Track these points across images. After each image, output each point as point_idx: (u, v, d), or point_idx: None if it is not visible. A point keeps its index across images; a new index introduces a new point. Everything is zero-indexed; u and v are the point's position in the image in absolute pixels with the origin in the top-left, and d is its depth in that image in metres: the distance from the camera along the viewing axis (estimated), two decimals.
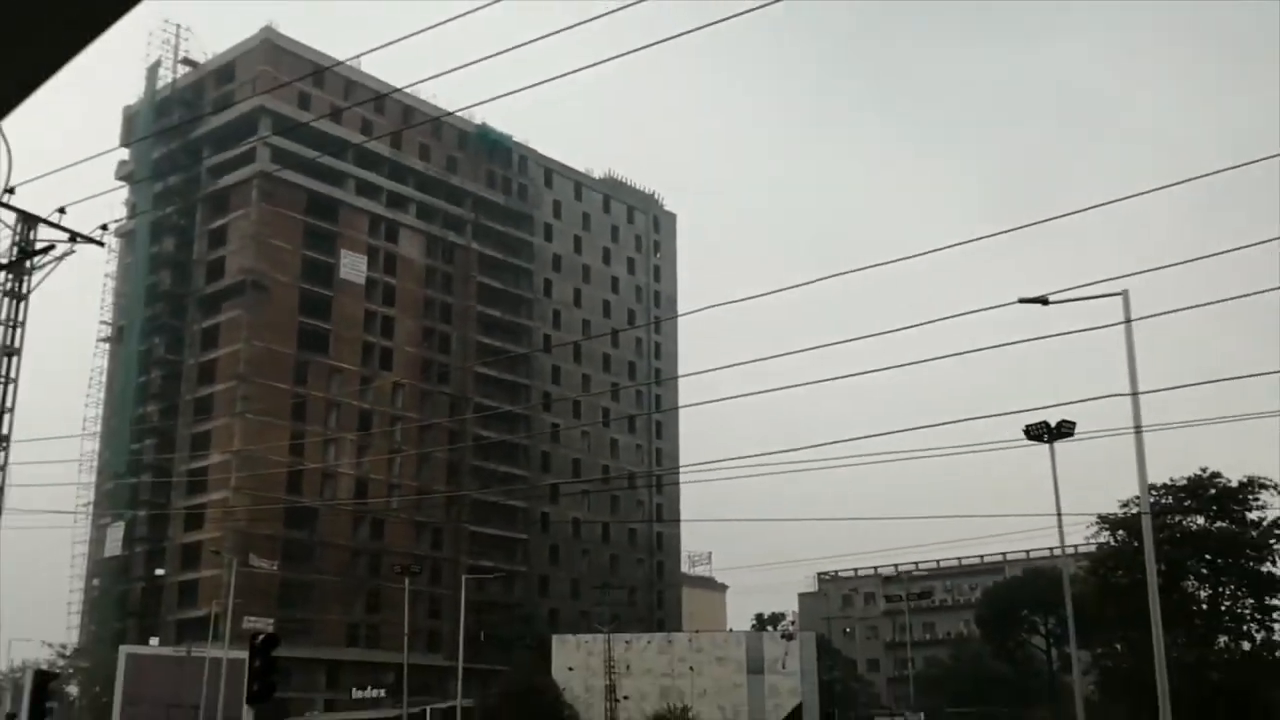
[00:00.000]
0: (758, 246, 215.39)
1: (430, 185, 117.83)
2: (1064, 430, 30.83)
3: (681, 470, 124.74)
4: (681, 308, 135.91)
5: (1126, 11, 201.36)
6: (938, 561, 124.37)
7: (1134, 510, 35.06)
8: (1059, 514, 31.13)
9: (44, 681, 30.64)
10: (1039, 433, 30.80)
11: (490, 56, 13.32)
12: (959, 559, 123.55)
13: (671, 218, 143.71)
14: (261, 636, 21.41)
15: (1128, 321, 26.55)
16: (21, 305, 21.35)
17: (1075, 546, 43.76)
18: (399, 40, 15.28)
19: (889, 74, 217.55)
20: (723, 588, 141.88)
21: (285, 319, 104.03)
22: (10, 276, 21.19)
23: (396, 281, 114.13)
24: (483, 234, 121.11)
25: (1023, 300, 26.24)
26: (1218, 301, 21.57)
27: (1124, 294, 26.23)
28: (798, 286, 35.98)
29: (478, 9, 13.64)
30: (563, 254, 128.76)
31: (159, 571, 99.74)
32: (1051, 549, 79.67)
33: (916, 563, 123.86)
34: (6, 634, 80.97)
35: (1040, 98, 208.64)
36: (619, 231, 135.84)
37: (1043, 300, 26.02)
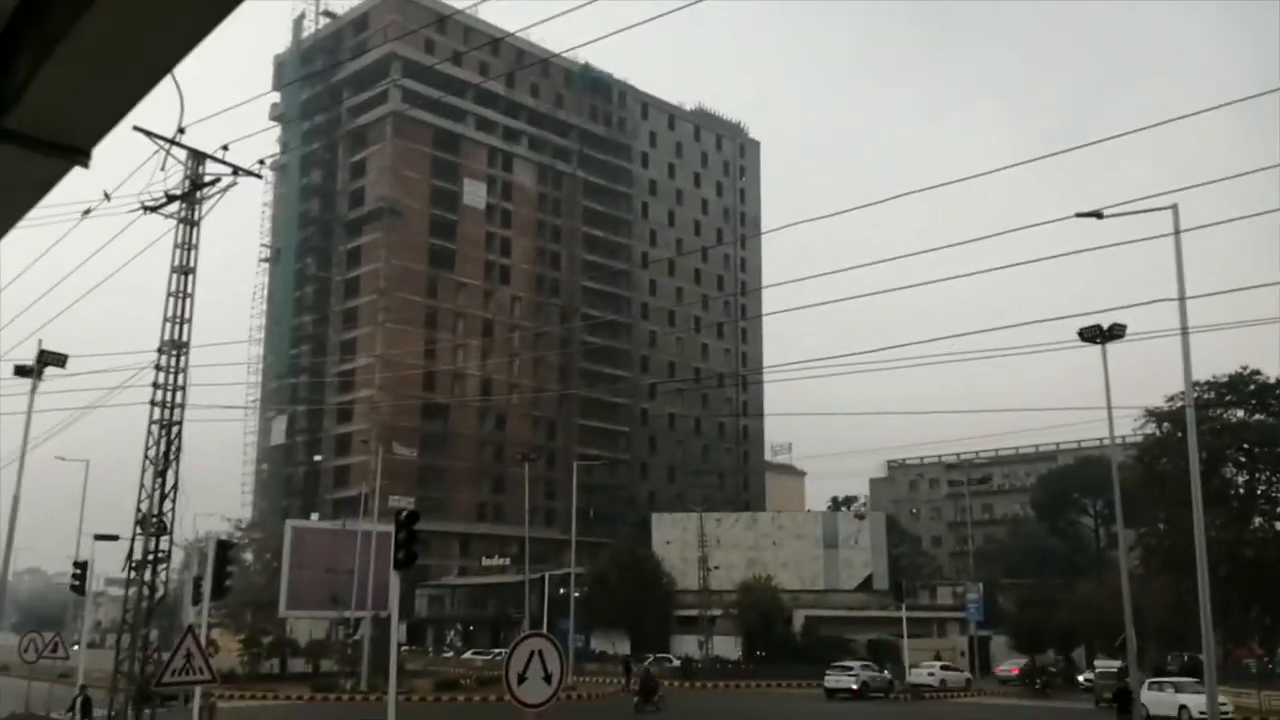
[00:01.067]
0: (832, 170, 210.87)
1: (540, 120, 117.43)
2: (1115, 332, 29.87)
3: (765, 371, 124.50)
4: (764, 226, 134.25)
5: None
6: (996, 450, 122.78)
7: (1179, 404, 34.09)
8: (1109, 407, 30.37)
9: (224, 550, 31.86)
10: (1092, 335, 29.89)
11: (593, 0, 13.09)
12: (1016, 448, 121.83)
13: (756, 145, 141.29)
14: (405, 513, 21.95)
15: (1177, 233, 25.61)
16: (194, 231, 21.85)
17: (1124, 437, 42.73)
18: None
19: (946, 18, 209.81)
20: (802, 474, 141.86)
21: (417, 240, 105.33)
22: (184, 206, 21.65)
23: (512, 206, 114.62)
24: (587, 163, 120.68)
25: (1079, 214, 25.40)
26: (1254, 215, 20.73)
27: (1174, 208, 25.26)
28: (869, 205, 34.98)
29: None
30: (658, 179, 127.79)
31: (317, 458, 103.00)
32: (1101, 439, 78.19)
33: (977, 452, 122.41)
34: (192, 510, 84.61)
35: (1083, 35, 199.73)
36: (708, 158, 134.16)
37: (1097, 214, 25.15)
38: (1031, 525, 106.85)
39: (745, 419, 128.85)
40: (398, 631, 27.53)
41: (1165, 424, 39.99)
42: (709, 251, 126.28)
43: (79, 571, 40.32)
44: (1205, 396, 39.24)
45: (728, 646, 74.58)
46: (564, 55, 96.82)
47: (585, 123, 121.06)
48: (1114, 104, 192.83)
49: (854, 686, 52.60)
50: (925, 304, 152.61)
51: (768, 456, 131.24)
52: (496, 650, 70.55)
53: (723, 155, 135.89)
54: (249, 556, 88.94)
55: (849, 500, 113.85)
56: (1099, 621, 61.47)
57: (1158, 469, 39.26)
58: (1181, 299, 24.13)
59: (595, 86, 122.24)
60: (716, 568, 77.98)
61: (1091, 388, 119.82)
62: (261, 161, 23.31)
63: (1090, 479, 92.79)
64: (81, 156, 4.32)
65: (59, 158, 4.28)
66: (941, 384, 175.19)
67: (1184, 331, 24.01)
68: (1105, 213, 23.58)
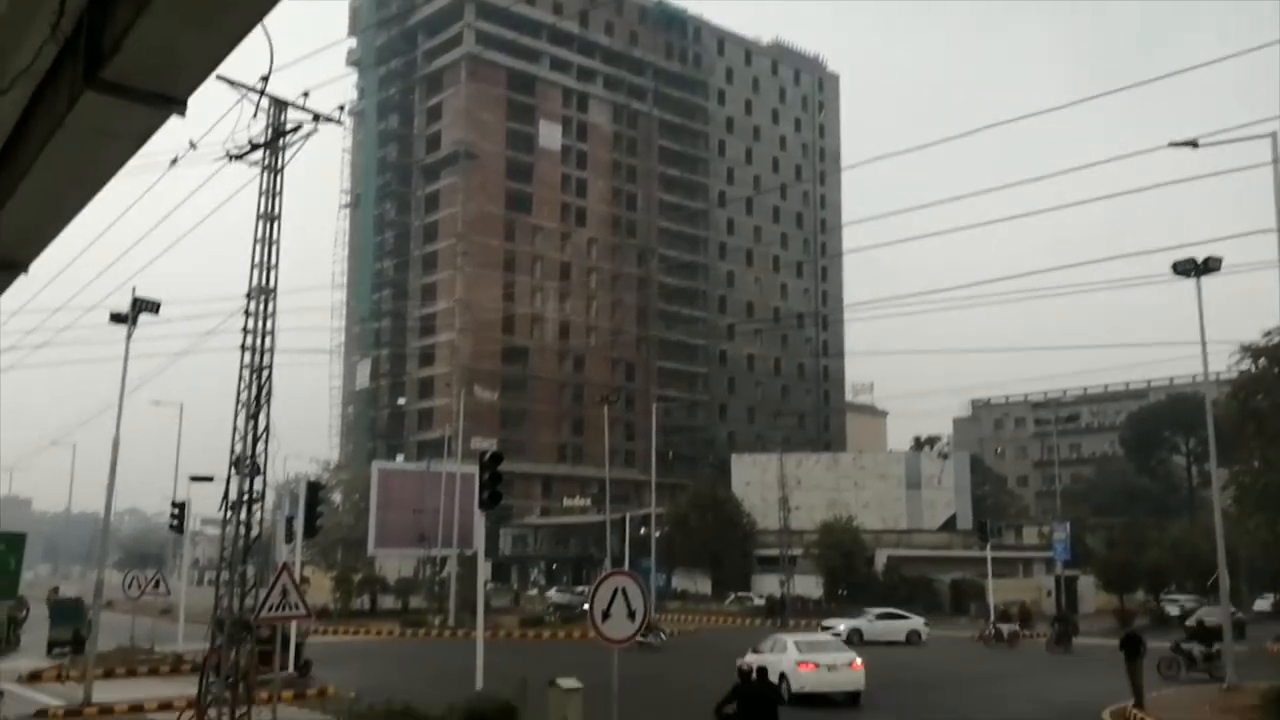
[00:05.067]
0: (910, 102, 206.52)
1: (615, 59, 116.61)
2: (1210, 266, 28.92)
3: (845, 309, 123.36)
4: (844, 161, 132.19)
5: None
6: (1085, 388, 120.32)
7: (1276, 339, 33.05)
8: (1203, 343, 29.55)
9: (315, 491, 32.91)
10: (1186, 268, 28.99)
11: None
12: (1105, 385, 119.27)
13: (835, 78, 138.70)
14: (489, 454, 22.36)
15: (1276, 161, 24.71)
16: (278, 178, 22.22)
17: (1218, 374, 41.59)
18: None
19: None
20: (883, 414, 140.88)
21: (494, 184, 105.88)
22: (267, 153, 22.02)
23: (588, 147, 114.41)
24: (662, 101, 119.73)
25: (1173, 144, 24.62)
26: None
27: (1273, 135, 24.35)
28: (946, 141, 33.93)
29: None
30: (735, 116, 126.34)
31: (400, 401, 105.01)
32: (1194, 375, 76.21)
33: (1065, 389, 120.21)
34: (282, 452, 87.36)
35: None
36: (786, 93, 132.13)
37: (1192, 144, 24.35)
38: (1121, 464, 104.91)
39: (825, 359, 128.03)
40: (484, 569, 28.23)
41: (1261, 359, 38.71)
42: (787, 188, 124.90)
43: (177, 511, 41.87)
44: None
45: (809, 586, 74.85)
46: None
47: (660, 60, 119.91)
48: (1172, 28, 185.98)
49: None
50: (1010, 239, 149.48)
51: (848, 397, 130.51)
52: (579, 588, 71.78)
53: (801, 90, 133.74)
54: (337, 497, 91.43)
55: (932, 440, 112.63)
56: (1190, 561, 60.41)
57: (1253, 405, 38.03)
58: None
59: (670, 22, 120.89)
60: (797, 508, 77.95)
61: (1184, 323, 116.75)
62: (341, 107, 23.57)
63: (1182, 416, 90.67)
64: (177, 105, 4.46)
65: (156, 107, 4.42)
66: (1028, 320, 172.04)
67: None
68: (1200, 142, 22.84)
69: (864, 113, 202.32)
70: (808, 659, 26.49)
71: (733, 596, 69.11)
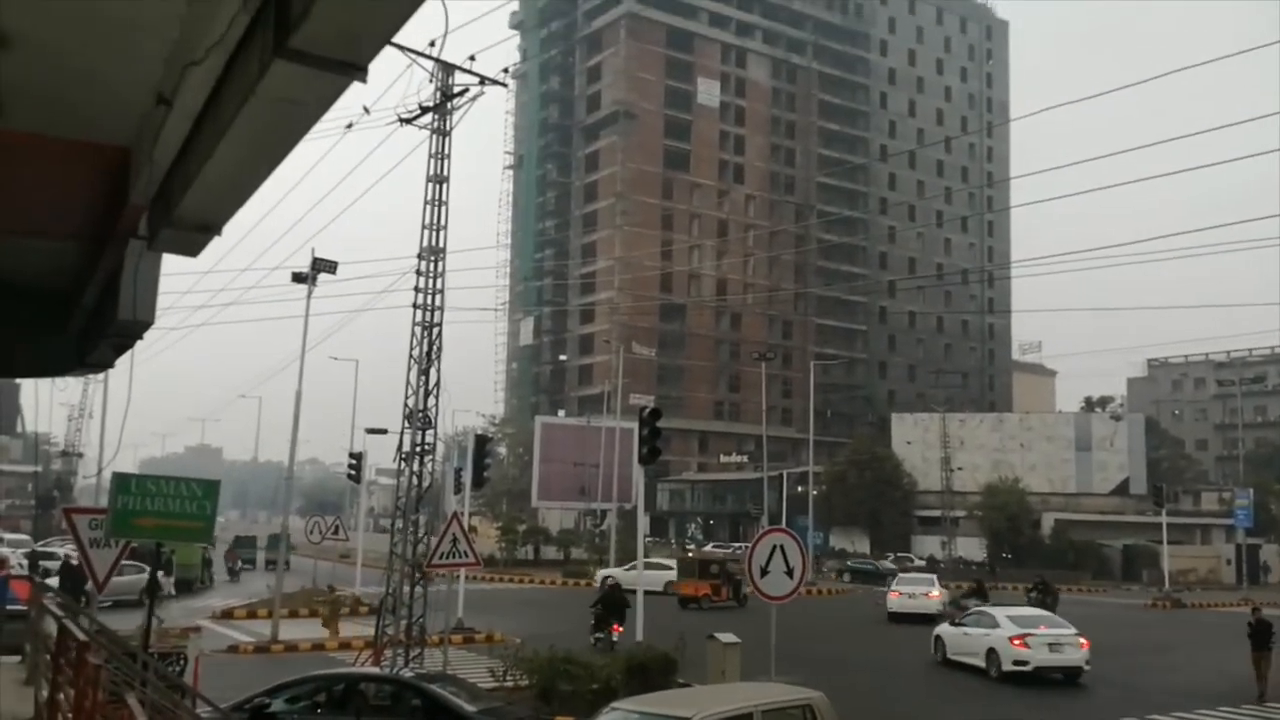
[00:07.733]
0: (1084, 48, 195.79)
1: (774, 12, 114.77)
2: None
3: (1013, 265, 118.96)
4: (1013, 112, 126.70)
5: None
6: (1272, 347, 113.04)
7: None
8: None
9: (483, 444, 33.91)
10: None
11: None
12: None
13: (1004, 25, 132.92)
14: (648, 409, 22.55)
15: None
16: (446, 140, 22.72)
17: None
18: None
19: None
20: (1052, 373, 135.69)
21: (652, 142, 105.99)
22: (436, 116, 22.54)
23: (746, 103, 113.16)
24: (822, 54, 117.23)
25: None
26: None
27: None
28: (1128, 87, 31.93)
29: None
30: (897, 67, 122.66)
31: (562, 357, 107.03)
32: None
33: (1250, 349, 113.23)
34: (451, 406, 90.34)
35: None
36: (951, 42, 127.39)
37: None
38: None
39: (991, 316, 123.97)
40: (643, 523, 28.59)
41: None
42: (952, 141, 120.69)
43: (354, 462, 43.89)
44: None
45: (971, 548, 73.26)
46: None
47: (821, 12, 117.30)
48: None
49: None
50: (1188, 191, 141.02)
51: (1015, 355, 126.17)
52: (736, 544, 72.08)
53: (967, 39, 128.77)
54: (503, 450, 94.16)
55: (1104, 401, 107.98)
56: None
57: None
58: None
59: None
60: (960, 469, 76.24)
61: None
62: (505, 70, 23.96)
63: None
64: (359, 72, 4.57)
65: (340, 74, 4.54)
66: (1210, 276, 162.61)
67: None
68: None
69: (1036, 60, 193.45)
70: (898, 589, 38.96)
71: (892, 557, 68.18)
